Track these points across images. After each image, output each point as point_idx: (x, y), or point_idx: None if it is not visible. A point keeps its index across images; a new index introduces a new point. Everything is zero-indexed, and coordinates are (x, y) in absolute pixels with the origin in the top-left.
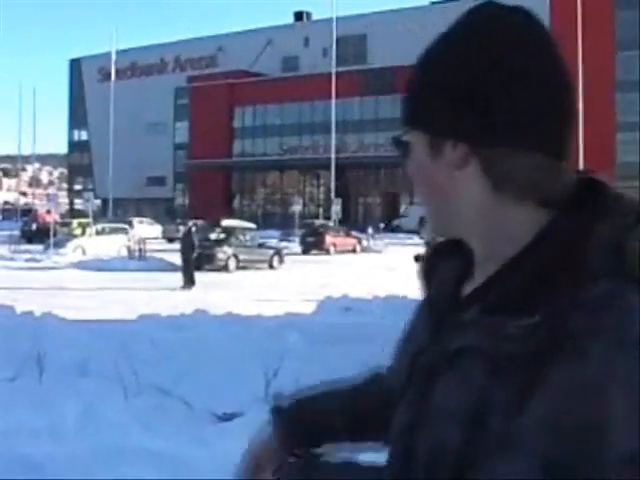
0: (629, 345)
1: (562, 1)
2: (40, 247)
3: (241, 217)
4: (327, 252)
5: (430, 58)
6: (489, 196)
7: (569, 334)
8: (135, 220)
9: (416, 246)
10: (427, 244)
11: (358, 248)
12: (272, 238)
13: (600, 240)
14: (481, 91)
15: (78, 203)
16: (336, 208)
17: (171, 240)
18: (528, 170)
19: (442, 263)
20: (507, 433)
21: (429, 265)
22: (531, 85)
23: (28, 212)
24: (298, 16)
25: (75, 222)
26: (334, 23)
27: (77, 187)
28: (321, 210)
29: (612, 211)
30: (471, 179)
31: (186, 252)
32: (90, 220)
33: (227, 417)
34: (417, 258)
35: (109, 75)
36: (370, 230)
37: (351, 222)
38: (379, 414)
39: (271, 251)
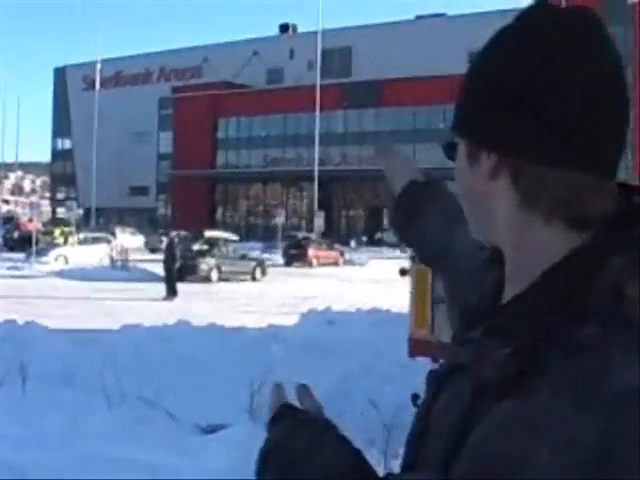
0: (587, 404)
1: None
2: (22, 255)
3: (224, 228)
4: (309, 265)
5: (472, 63)
6: (517, 210)
7: (531, 372)
8: (118, 230)
9: (399, 259)
10: (412, 258)
11: (340, 261)
12: (255, 250)
13: (609, 276)
14: (514, 100)
15: (61, 212)
16: (319, 221)
17: (153, 250)
18: (557, 186)
19: (490, 271)
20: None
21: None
22: (568, 95)
23: (10, 220)
24: (283, 28)
25: (57, 231)
26: (319, 36)
27: (60, 196)
28: (304, 222)
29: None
30: (503, 191)
31: (169, 262)
32: (72, 229)
33: (211, 429)
34: (402, 272)
35: (94, 84)
36: (353, 243)
37: (334, 235)
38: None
39: (253, 263)
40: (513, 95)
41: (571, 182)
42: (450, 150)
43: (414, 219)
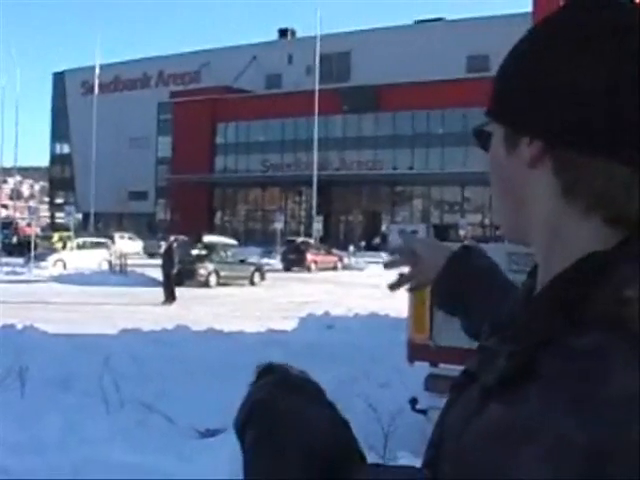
0: (583, 409)
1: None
2: (20, 260)
3: (223, 233)
4: (308, 269)
5: (516, 46)
6: (558, 203)
7: (525, 377)
8: (116, 235)
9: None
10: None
11: (339, 266)
12: (253, 254)
13: (615, 283)
14: (561, 85)
15: (59, 217)
16: (317, 225)
17: (152, 255)
18: (604, 180)
19: (527, 280)
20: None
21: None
22: (620, 84)
23: (9, 225)
24: (282, 33)
25: (56, 236)
26: (318, 40)
27: (58, 200)
28: (303, 227)
29: None
30: (542, 180)
31: (167, 267)
32: (71, 234)
33: (210, 433)
34: (391, 287)
35: (92, 89)
36: (351, 248)
37: (332, 240)
38: None
39: (252, 267)
40: (561, 80)
41: (619, 177)
42: (482, 137)
43: (464, 298)
